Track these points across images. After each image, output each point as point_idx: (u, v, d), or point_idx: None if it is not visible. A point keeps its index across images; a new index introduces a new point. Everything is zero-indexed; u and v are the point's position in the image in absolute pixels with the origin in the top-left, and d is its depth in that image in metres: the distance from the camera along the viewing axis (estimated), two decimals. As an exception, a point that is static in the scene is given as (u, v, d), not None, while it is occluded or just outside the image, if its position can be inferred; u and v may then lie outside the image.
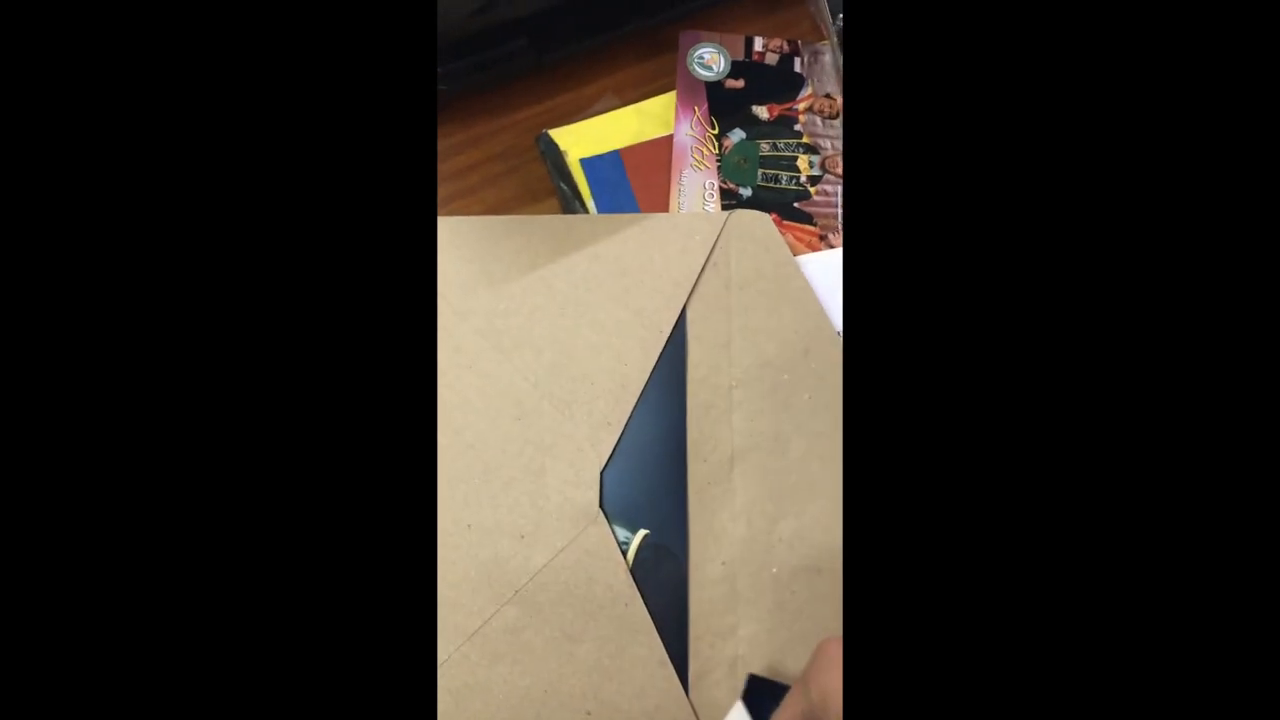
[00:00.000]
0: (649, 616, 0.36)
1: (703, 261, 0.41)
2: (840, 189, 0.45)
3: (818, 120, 0.46)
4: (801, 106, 0.46)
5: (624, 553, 0.37)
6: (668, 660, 0.35)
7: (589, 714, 0.35)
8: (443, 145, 0.44)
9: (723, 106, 0.46)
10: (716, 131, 0.45)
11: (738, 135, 0.45)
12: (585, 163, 0.43)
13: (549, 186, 0.43)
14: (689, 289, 0.41)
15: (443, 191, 0.43)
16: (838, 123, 0.46)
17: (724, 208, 0.43)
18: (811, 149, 0.45)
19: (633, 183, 0.43)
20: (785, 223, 0.43)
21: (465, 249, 0.41)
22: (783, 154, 0.45)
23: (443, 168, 0.43)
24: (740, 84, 0.46)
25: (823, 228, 0.44)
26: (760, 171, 0.44)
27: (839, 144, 0.46)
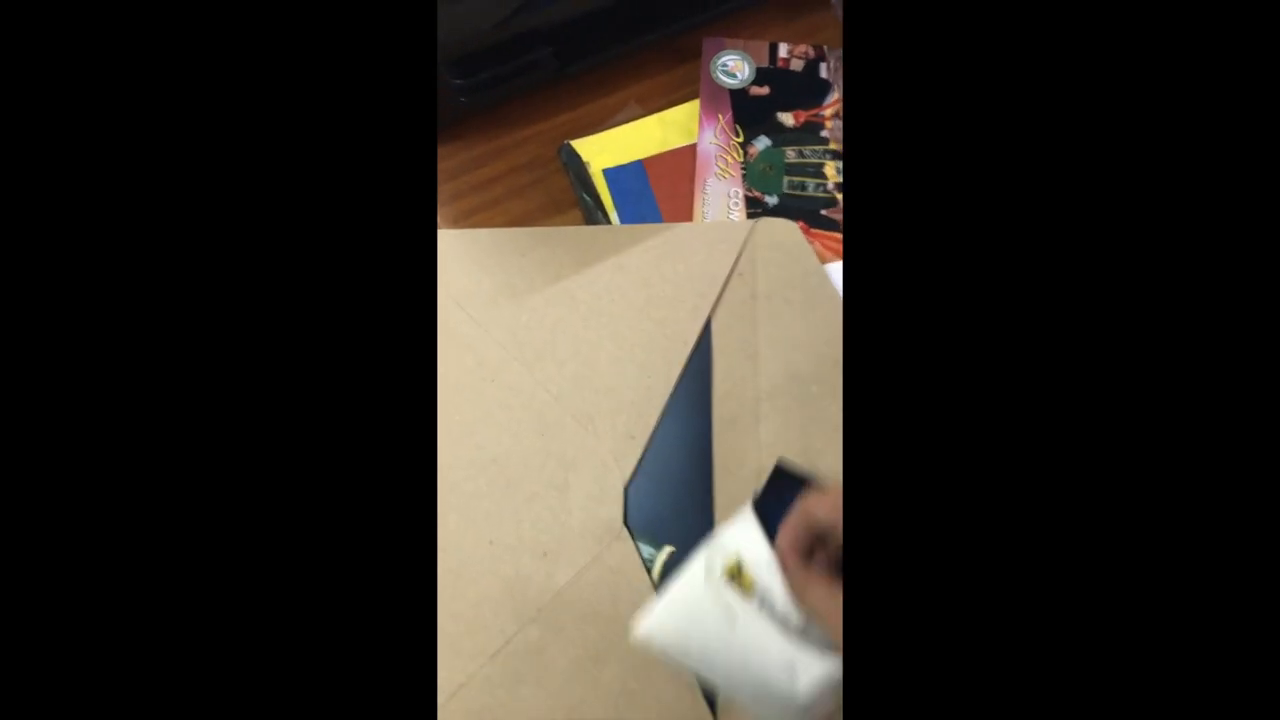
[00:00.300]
0: (675, 637, 0.34)
1: (727, 271, 0.40)
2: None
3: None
4: (828, 112, 0.45)
5: (649, 570, 0.36)
6: (696, 683, 0.34)
7: (613, 738, 0.33)
8: (465, 157, 0.44)
9: (747, 114, 0.45)
10: (741, 139, 0.44)
11: (763, 143, 0.44)
12: (608, 173, 0.43)
13: (573, 198, 0.43)
14: (714, 299, 0.40)
15: (466, 204, 0.43)
16: (866, 128, 0.45)
17: (749, 216, 0.42)
18: (839, 155, 0.44)
19: (656, 192, 0.43)
20: (813, 230, 0.42)
21: (488, 261, 0.40)
22: (809, 161, 0.44)
23: (466, 180, 0.43)
24: (765, 91, 0.46)
25: (852, 235, 0.42)
26: (786, 179, 0.43)
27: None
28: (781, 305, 0.40)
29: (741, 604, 0.28)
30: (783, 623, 0.27)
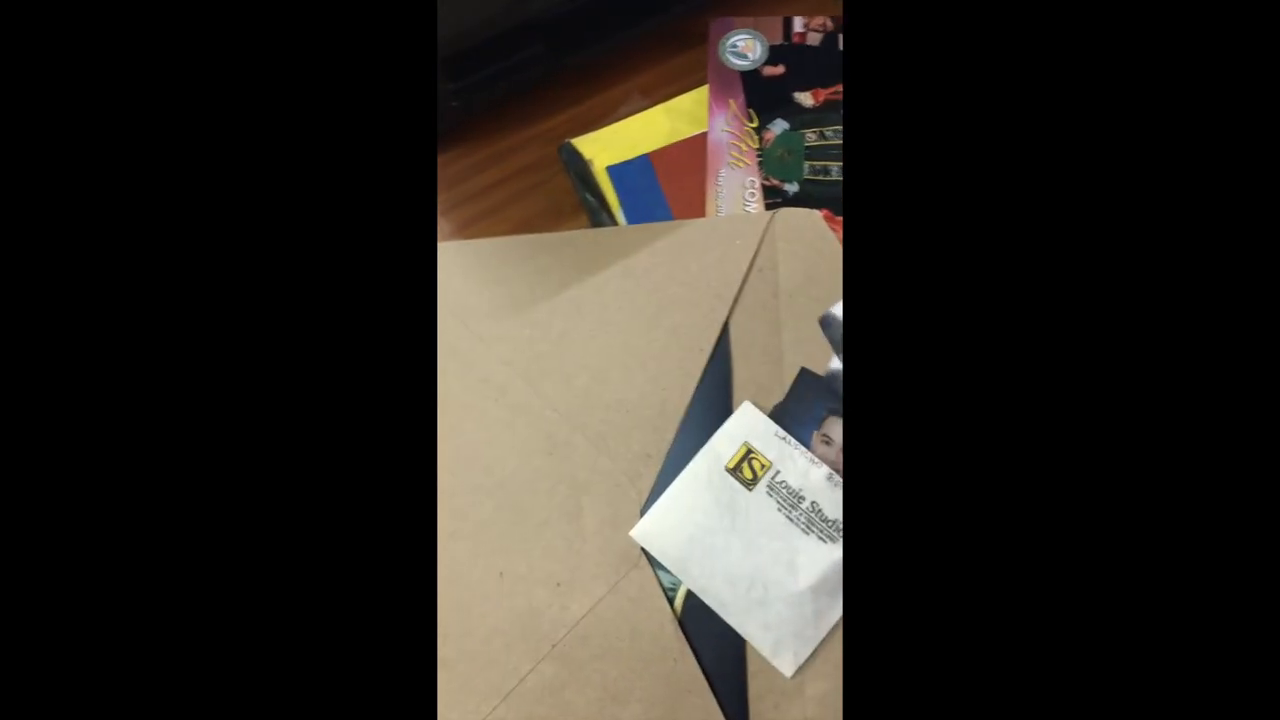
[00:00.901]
0: (701, 672, 0.31)
1: (746, 268, 0.37)
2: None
3: (870, 102, 0.41)
4: (851, 88, 0.42)
5: (670, 600, 0.33)
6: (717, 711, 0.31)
7: (638, 785, 0.31)
8: (465, 164, 0.41)
9: (762, 96, 0.41)
10: (756, 124, 0.41)
11: (780, 126, 0.41)
12: (612, 170, 0.40)
13: (576, 200, 0.40)
14: (731, 300, 0.37)
15: (466, 212, 0.41)
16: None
17: (768, 207, 0.39)
18: (864, 134, 0.41)
19: (665, 188, 0.40)
20: (838, 219, 0.38)
21: (489, 272, 0.38)
22: (831, 143, 0.40)
23: (465, 187, 0.41)
24: (780, 70, 0.42)
25: (882, 221, 0.39)
26: (807, 164, 0.40)
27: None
28: (807, 304, 0.36)
29: (745, 495, 0.28)
30: (793, 502, 0.27)
